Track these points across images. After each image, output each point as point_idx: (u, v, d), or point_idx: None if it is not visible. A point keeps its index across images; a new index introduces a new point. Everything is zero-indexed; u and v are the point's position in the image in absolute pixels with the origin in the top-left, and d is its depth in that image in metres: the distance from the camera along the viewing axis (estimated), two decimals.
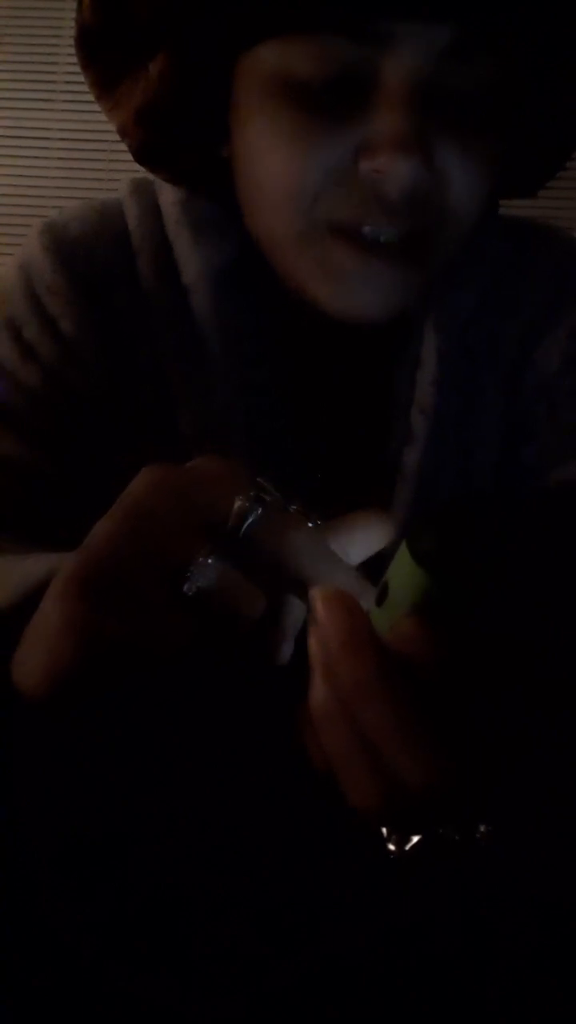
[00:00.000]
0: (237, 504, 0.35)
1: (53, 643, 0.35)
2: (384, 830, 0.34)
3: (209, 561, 0.34)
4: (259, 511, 0.35)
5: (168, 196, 0.59)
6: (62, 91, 2.10)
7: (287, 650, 0.39)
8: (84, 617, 0.34)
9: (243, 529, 0.35)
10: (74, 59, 0.54)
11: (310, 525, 0.36)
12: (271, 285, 0.55)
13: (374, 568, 0.36)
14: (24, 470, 0.55)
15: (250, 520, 0.35)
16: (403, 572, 0.30)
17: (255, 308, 0.58)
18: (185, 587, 0.34)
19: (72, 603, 0.34)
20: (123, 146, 0.56)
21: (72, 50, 0.54)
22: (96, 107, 0.56)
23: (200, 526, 0.35)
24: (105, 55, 0.53)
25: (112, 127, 0.56)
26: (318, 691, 0.32)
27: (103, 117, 0.56)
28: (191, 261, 0.57)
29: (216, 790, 0.45)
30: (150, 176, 0.59)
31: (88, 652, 0.34)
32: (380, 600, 0.31)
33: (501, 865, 0.41)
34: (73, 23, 0.53)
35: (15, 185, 2.12)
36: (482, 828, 0.32)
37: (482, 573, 0.28)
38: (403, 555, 0.30)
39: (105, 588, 0.34)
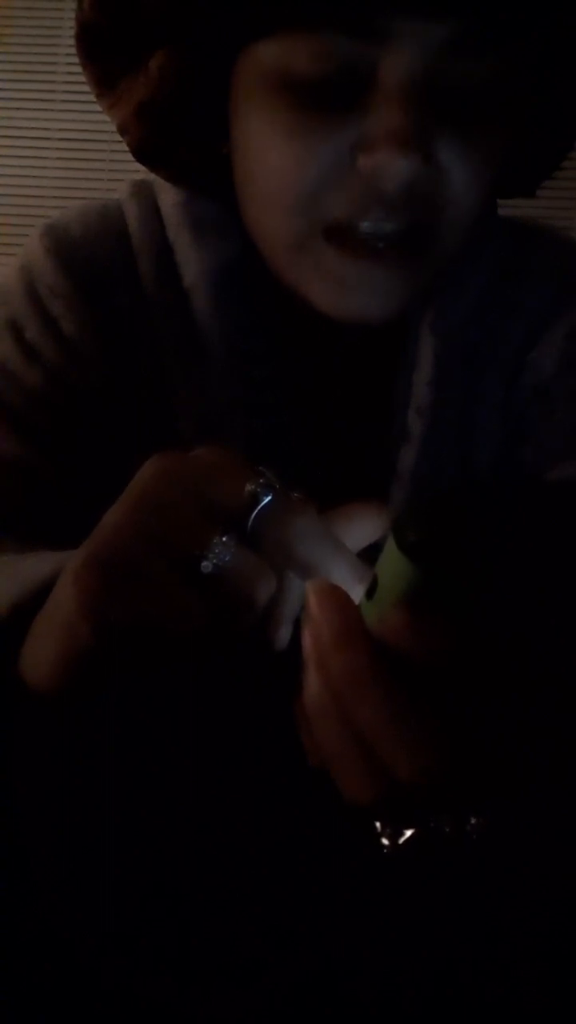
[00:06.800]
0: (248, 489, 0.36)
1: (68, 630, 0.36)
2: (378, 824, 0.35)
3: (224, 539, 0.35)
4: (269, 496, 0.36)
5: (168, 198, 0.59)
6: (62, 91, 2.10)
7: (285, 635, 0.39)
8: (99, 602, 0.35)
9: (253, 514, 0.36)
10: (74, 58, 0.54)
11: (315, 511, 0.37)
12: (271, 286, 0.55)
13: (369, 560, 0.36)
14: (25, 471, 0.55)
15: (261, 505, 0.36)
16: (391, 564, 0.30)
17: (255, 309, 0.58)
18: (203, 565, 0.35)
19: (86, 589, 0.35)
20: (123, 146, 0.56)
21: (72, 49, 0.54)
22: (96, 107, 0.56)
23: (208, 511, 0.35)
24: (105, 52, 0.53)
25: (112, 127, 0.56)
26: (311, 685, 0.32)
27: (103, 117, 0.56)
28: (191, 262, 0.57)
29: (215, 788, 0.45)
30: (150, 177, 0.59)
31: (102, 638, 0.35)
32: (370, 593, 0.32)
33: (499, 863, 0.41)
34: (73, 23, 0.53)
35: (15, 185, 2.12)
36: (473, 820, 0.33)
37: (469, 564, 0.28)
38: (391, 547, 0.30)
39: (118, 573, 0.35)
